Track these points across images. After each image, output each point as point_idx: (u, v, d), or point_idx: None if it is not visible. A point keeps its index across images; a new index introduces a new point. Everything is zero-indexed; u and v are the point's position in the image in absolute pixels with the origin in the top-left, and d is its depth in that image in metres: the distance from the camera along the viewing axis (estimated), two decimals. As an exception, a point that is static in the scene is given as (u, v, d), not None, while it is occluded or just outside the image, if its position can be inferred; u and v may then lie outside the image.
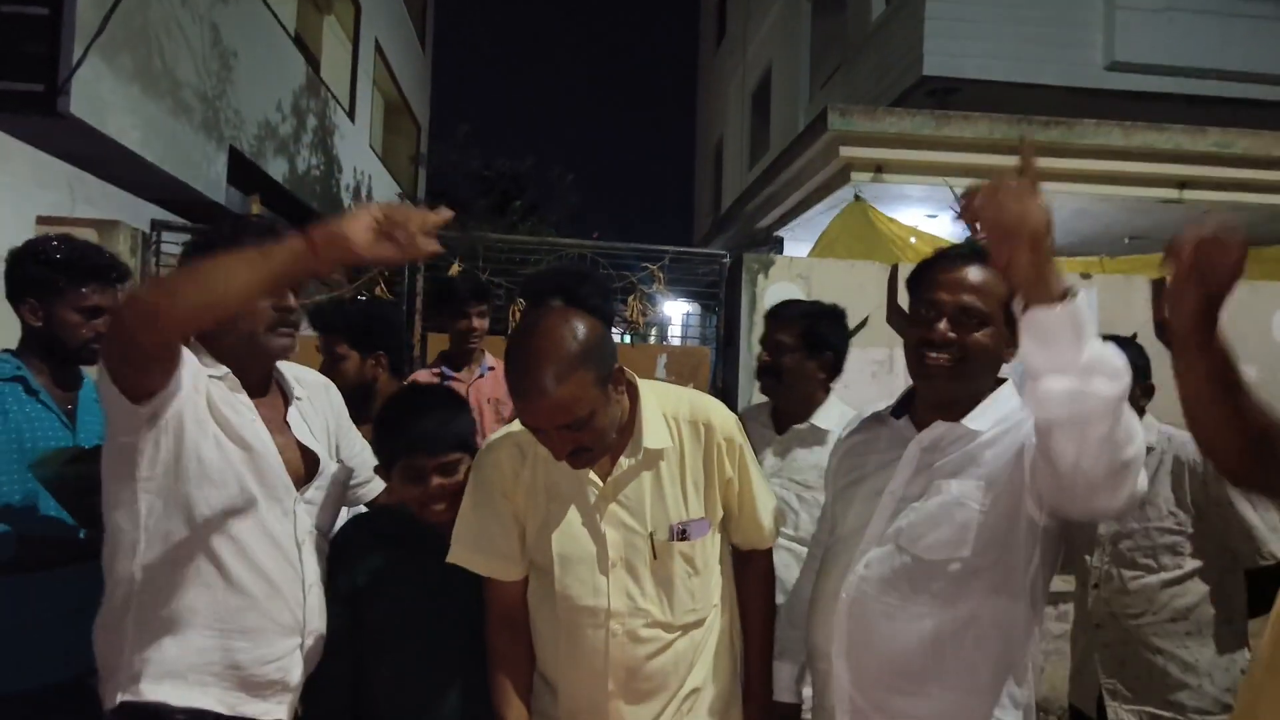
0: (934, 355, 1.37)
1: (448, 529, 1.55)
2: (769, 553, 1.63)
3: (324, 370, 2.50)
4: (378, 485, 1.76)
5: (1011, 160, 1.20)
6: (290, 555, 1.48)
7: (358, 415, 1.95)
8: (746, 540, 1.59)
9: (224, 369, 1.47)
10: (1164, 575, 2.12)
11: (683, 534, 1.45)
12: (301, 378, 1.68)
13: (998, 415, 1.40)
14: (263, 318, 1.47)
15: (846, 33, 8.91)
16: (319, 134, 9.01)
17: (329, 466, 1.61)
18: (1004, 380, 1.46)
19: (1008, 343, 1.39)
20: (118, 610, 1.41)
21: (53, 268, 1.84)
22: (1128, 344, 2.28)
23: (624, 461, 1.43)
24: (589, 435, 1.34)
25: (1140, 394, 2.23)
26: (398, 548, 1.60)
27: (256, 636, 1.43)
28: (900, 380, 4.02)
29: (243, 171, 7.03)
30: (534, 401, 1.29)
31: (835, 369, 2.44)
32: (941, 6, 7.04)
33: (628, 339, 4.61)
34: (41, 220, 3.44)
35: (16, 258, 1.88)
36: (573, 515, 1.45)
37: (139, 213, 4.75)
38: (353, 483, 1.73)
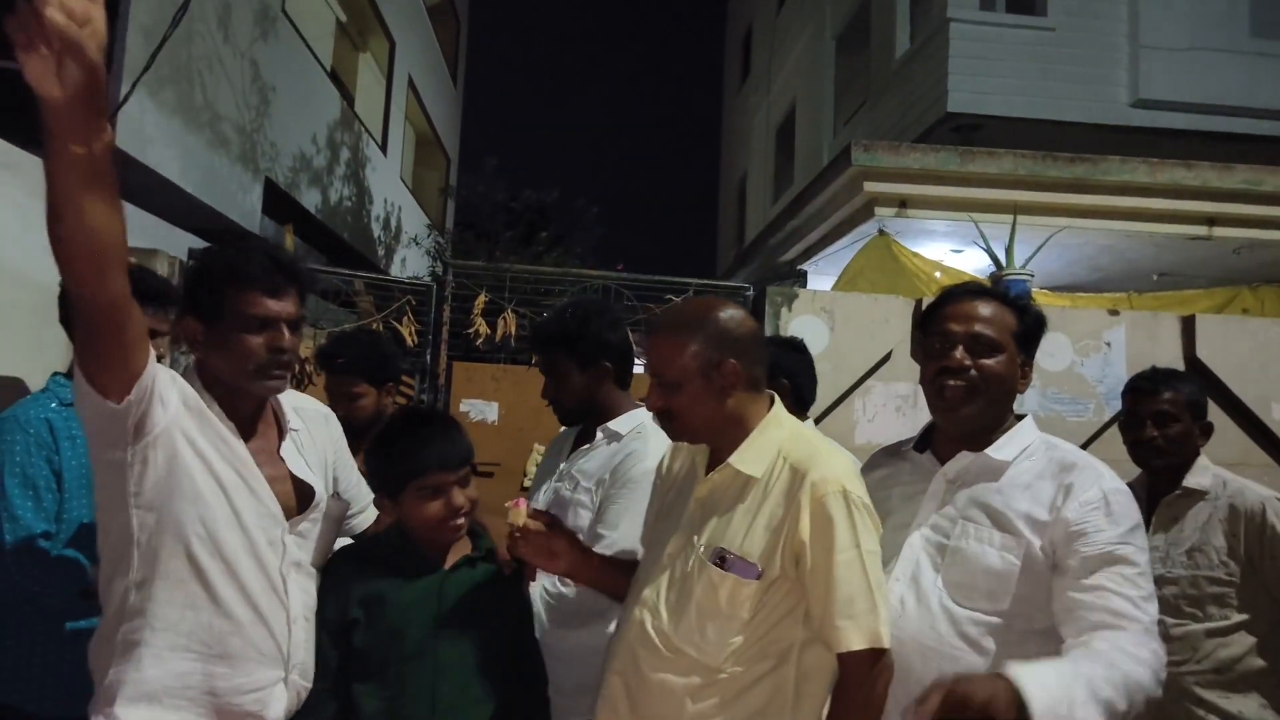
0: (952, 383, 1.44)
1: (440, 554, 1.60)
2: (861, 673, 1.32)
3: (337, 408, 2.44)
4: (371, 515, 1.75)
5: (1038, 197, 1.21)
6: (276, 585, 1.45)
7: (367, 443, 1.96)
8: (819, 631, 1.35)
9: (209, 397, 1.45)
10: (1209, 625, 2.05)
11: (720, 561, 1.37)
12: (301, 408, 1.65)
13: (1021, 445, 1.46)
14: (254, 358, 1.42)
15: (870, 70, 9.01)
16: (351, 166, 9.23)
17: (323, 500, 1.57)
18: (1023, 416, 1.52)
19: (1022, 374, 1.48)
20: (109, 631, 1.40)
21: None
22: (1188, 379, 2.24)
23: (717, 472, 1.45)
24: (675, 403, 1.41)
25: (1199, 433, 2.17)
26: (389, 575, 1.57)
27: (236, 663, 1.40)
28: (925, 414, 3.99)
29: (277, 202, 7.22)
30: (648, 339, 1.49)
31: (797, 399, 2.33)
32: (966, 45, 7.11)
33: (650, 370, 4.63)
34: (85, 248, 3.53)
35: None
36: (678, 506, 1.51)
37: (177, 242, 4.89)
38: (349, 514, 1.73)
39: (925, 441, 1.58)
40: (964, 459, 1.47)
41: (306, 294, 1.53)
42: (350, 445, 2.50)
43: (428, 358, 4.15)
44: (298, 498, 1.52)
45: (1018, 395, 1.51)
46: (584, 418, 2.04)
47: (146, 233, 4.81)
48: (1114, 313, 4.14)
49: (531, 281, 4.38)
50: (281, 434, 1.56)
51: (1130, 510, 1.38)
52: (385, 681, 1.52)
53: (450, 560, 1.62)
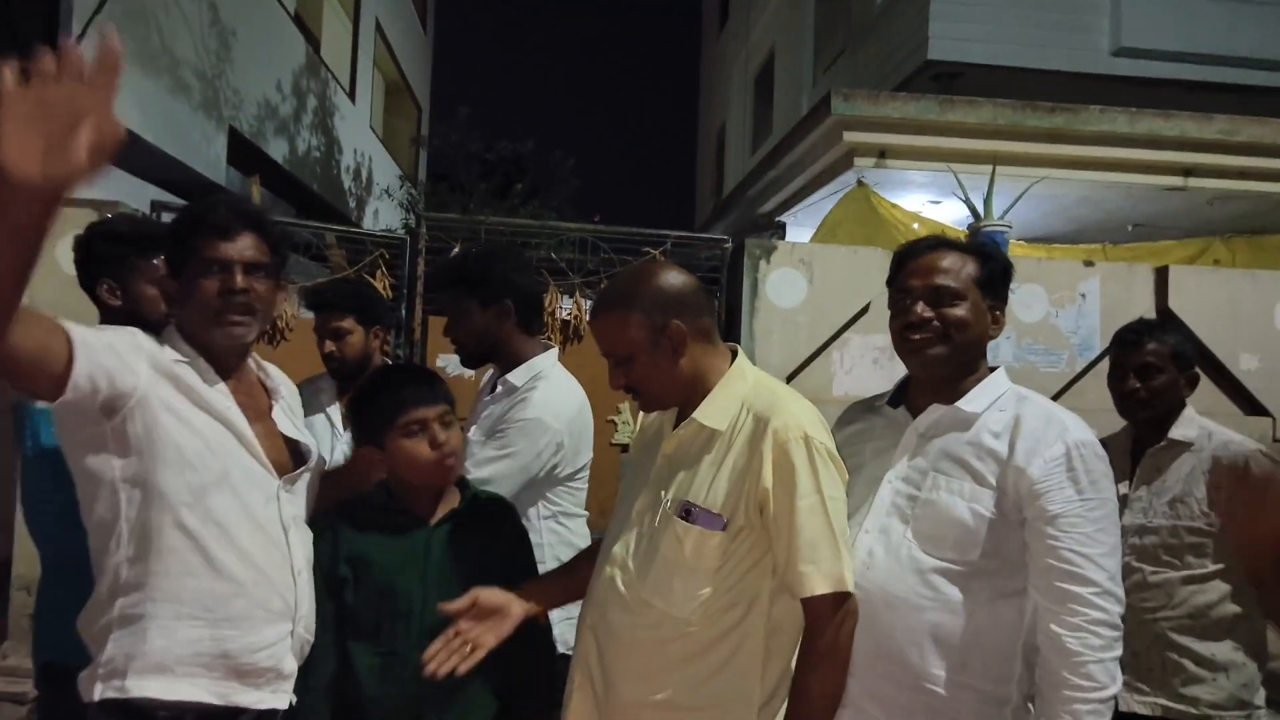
0: (915, 337, 1.47)
1: (429, 509, 1.60)
2: (825, 618, 1.32)
3: (323, 351, 2.52)
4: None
5: (1017, 147, 1.19)
6: (277, 539, 1.45)
7: (351, 388, 2.26)
8: (783, 577, 1.36)
9: (191, 353, 1.44)
10: (1185, 573, 2.07)
11: (686, 514, 1.37)
12: (275, 374, 1.68)
13: (991, 397, 1.47)
14: (210, 302, 1.42)
15: (851, 17, 8.84)
16: (319, 115, 8.96)
17: (315, 454, 1.60)
18: (995, 369, 1.53)
19: (992, 319, 1.50)
20: (103, 604, 1.38)
21: (123, 243, 1.84)
22: (1174, 328, 2.24)
23: (682, 427, 1.45)
24: (634, 377, 1.43)
25: (1185, 384, 2.17)
26: (376, 531, 1.58)
27: (245, 624, 1.39)
28: (902, 367, 4.02)
29: (242, 152, 7.00)
30: (591, 324, 1.50)
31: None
32: (947, -10, 6.98)
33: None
34: (41, 200, 3.41)
35: (84, 241, 1.88)
36: (645, 464, 1.53)
37: (139, 194, 4.74)
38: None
39: (899, 396, 1.59)
40: (935, 411, 1.49)
41: (274, 242, 1.50)
42: (340, 391, 2.61)
43: (402, 312, 4.08)
44: (290, 456, 1.54)
45: (990, 343, 1.52)
46: (485, 359, 2.09)
47: (108, 185, 4.64)
48: (1089, 264, 4.16)
49: (507, 234, 4.31)
50: (270, 397, 1.58)
51: (1094, 465, 1.39)
52: (378, 640, 1.53)
53: (439, 514, 1.61)
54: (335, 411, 2.59)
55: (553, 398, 1.97)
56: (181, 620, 1.36)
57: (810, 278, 3.88)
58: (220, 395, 1.45)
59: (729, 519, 1.36)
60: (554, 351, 2.11)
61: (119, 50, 0.80)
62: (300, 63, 8.44)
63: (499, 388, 2.06)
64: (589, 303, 4.04)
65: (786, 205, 7.10)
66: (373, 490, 1.66)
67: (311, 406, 2.51)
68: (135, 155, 5.35)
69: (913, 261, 1.52)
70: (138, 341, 1.39)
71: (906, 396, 1.57)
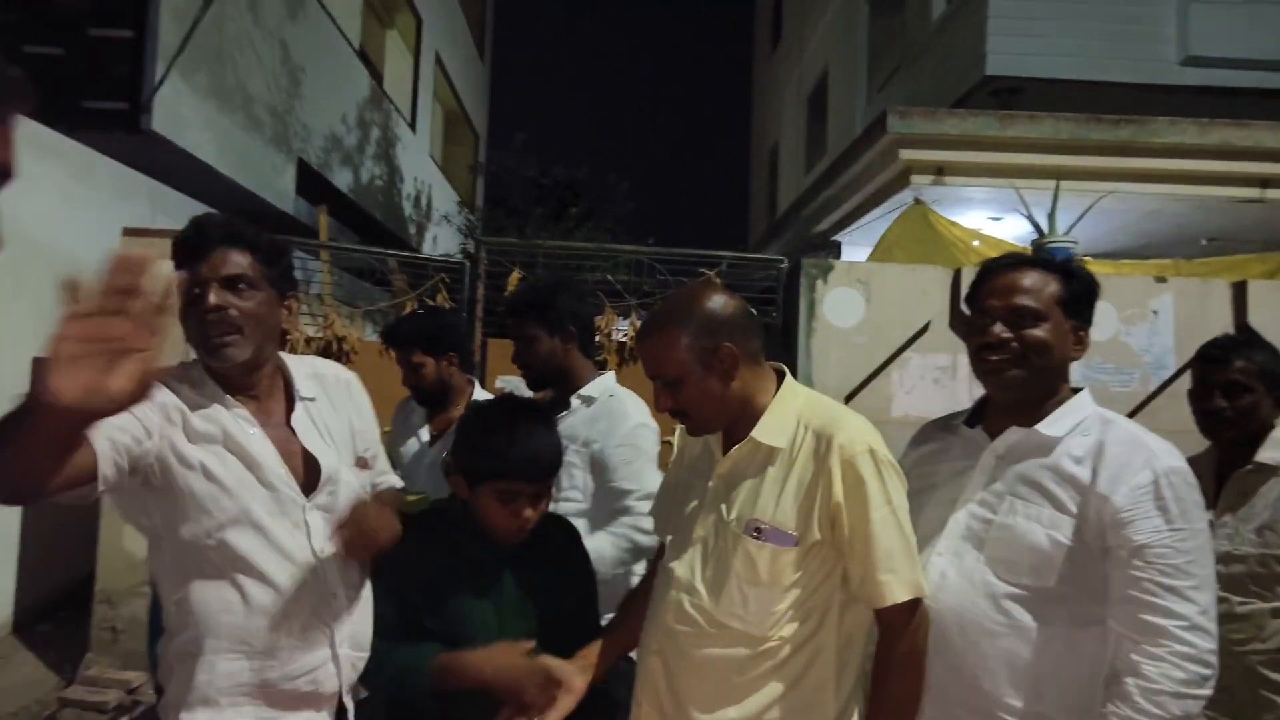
0: (993, 358, 1.43)
1: (508, 543, 1.58)
2: (903, 625, 1.34)
3: (406, 380, 2.61)
4: (391, 481, 1.72)
5: (1082, 161, 1.15)
6: (307, 565, 1.43)
7: (439, 411, 2.57)
8: (861, 592, 1.36)
9: (204, 379, 1.43)
10: (1276, 604, 1.96)
11: (756, 532, 1.37)
12: (323, 374, 1.60)
13: (1074, 420, 1.42)
14: (188, 328, 1.38)
15: (906, 33, 8.77)
16: (382, 145, 9.27)
17: (339, 471, 1.51)
18: (1080, 389, 1.48)
19: (1075, 340, 1.44)
20: (167, 641, 1.45)
21: None
22: (1262, 346, 2.14)
23: (738, 448, 1.44)
24: (683, 399, 1.41)
25: (1274, 404, 2.05)
26: (451, 557, 1.56)
27: (282, 654, 1.41)
28: (964, 386, 3.95)
29: (310, 183, 7.28)
30: (638, 346, 1.49)
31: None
32: (1005, 5, 6.87)
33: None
34: (127, 232, 3.61)
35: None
36: (696, 486, 1.51)
37: (214, 223, 4.95)
38: (375, 484, 1.67)
39: (977, 416, 1.55)
40: (1013, 434, 1.44)
41: (262, 255, 1.44)
42: (429, 415, 2.70)
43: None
44: (307, 471, 1.48)
45: (1071, 363, 1.47)
46: (549, 382, 2.23)
47: (186, 214, 4.88)
48: (1161, 280, 4.02)
49: (564, 257, 4.37)
50: (291, 403, 1.51)
51: (1184, 494, 1.33)
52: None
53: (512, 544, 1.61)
54: (425, 433, 2.70)
55: (637, 405, 2.19)
56: (221, 655, 1.40)
57: (868, 297, 3.84)
58: (235, 421, 1.42)
59: (800, 535, 1.36)
60: (613, 373, 2.28)
61: (175, 291, 0.76)
62: (364, 96, 8.76)
63: (573, 401, 2.19)
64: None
65: (842, 224, 7.04)
66: (452, 503, 1.65)
67: (405, 429, 2.73)
68: (210, 186, 5.62)
69: (992, 280, 1.47)
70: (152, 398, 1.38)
71: (984, 416, 1.53)
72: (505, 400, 1.76)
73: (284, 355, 1.56)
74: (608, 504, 2.09)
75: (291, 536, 1.43)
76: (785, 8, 14.33)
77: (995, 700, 1.36)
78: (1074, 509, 1.35)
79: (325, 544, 1.45)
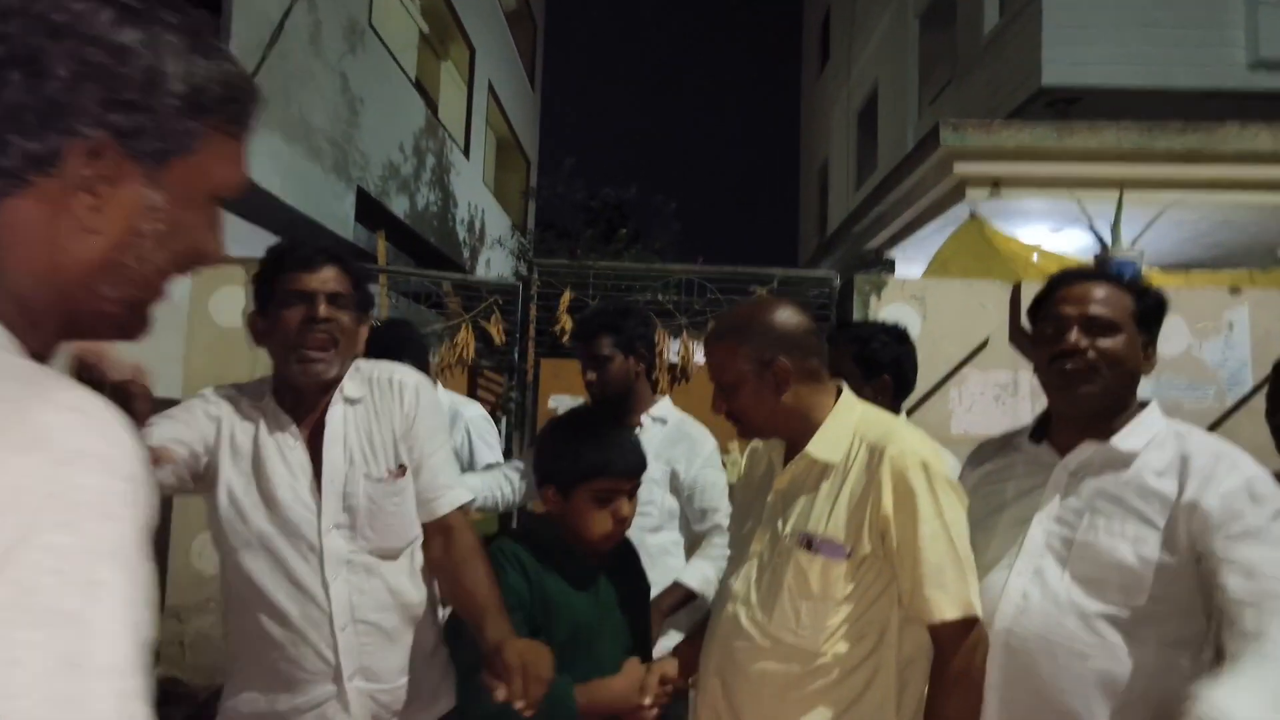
0: (1069, 366, 1.39)
1: (596, 552, 1.59)
2: (955, 644, 1.30)
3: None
4: (452, 499, 1.56)
5: (1147, 170, 1.09)
6: (315, 596, 1.40)
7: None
8: (911, 608, 1.34)
9: (265, 393, 1.47)
10: None
11: (808, 544, 1.37)
12: (376, 375, 1.53)
13: (1148, 434, 1.38)
14: (288, 333, 1.39)
15: (957, 47, 8.66)
16: (437, 172, 9.50)
17: (345, 480, 1.45)
18: (1147, 402, 1.43)
19: (1145, 355, 1.41)
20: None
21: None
22: None
23: (793, 463, 1.45)
24: (736, 405, 1.44)
25: None
26: (554, 574, 1.55)
27: (293, 685, 1.41)
28: (1025, 403, 3.84)
29: (368, 209, 7.50)
30: (705, 349, 1.53)
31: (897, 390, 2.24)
32: (1060, 14, 6.74)
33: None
34: (197, 259, 3.76)
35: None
36: (757, 503, 1.53)
37: (279, 250, 5.14)
38: (423, 496, 1.53)
39: (1041, 432, 1.50)
40: (1087, 449, 1.40)
41: (356, 277, 1.48)
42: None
43: (515, 355, 4.22)
44: (328, 482, 1.44)
45: (1141, 379, 1.43)
46: (619, 402, 2.27)
47: (251, 243, 5.07)
48: (1235, 291, 3.86)
49: (614, 278, 4.40)
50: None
51: (1276, 494, 1.27)
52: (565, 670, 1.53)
53: (602, 557, 1.63)
54: None
55: (704, 429, 2.32)
56: (246, 684, 1.44)
57: (923, 313, 3.77)
58: (275, 438, 1.43)
59: (851, 548, 1.35)
60: (668, 398, 2.42)
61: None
62: (420, 125, 9.01)
63: (645, 421, 2.30)
64: (696, 344, 4.06)
65: (894, 240, 6.95)
66: (540, 523, 1.65)
67: None
68: (275, 215, 5.83)
69: (1066, 288, 1.44)
70: (204, 407, 1.45)
71: (1049, 432, 1.48)
72: (582, 409, 1.80)
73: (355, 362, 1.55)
74: (695, 523, 2.23)
75: (305, 562, 1.41)
76: (833, 26, 14.30)
77: None
78: (1161, 523, 1.30)
79: (339, 570, 1.41)
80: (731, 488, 2.24)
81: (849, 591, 1.35)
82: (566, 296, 4.07)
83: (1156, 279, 5.11)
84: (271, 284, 1.44)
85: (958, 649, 1.30)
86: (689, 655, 1.58)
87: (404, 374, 1.56)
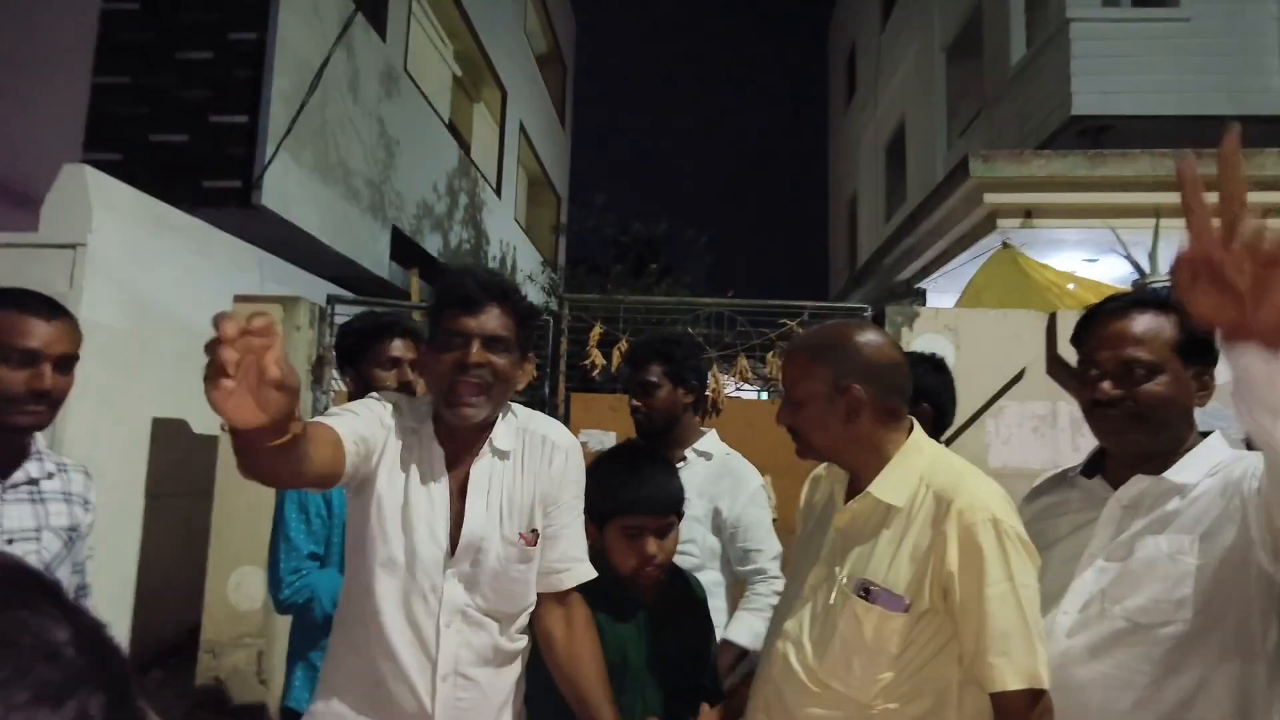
0: (1109, 414, 1.33)
1: (644, 590, 1.64)
2: (1017, 715, 1.21)
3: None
4: (580, 574, 1.53)
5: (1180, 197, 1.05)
6: (426, 638, 1.37)
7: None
8: (970, 668, 1.25)
9: (424, 418, 1.44)
10: None
11: (865, 593, 1.30)
12: (531, 428, 1.50)
13: (1207, 466, 1.30)
14: (442, 376, 1.38)
15: (984, 79, 8.67)
16: (469, 210, 9.68)
17: (484, 538, 1.41)
18: (1209, 432, 1.36)
19: (1199, 387, 1.32)
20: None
21: (354, 335, 2.19)
22: None
23: (856, 501, 1.39)
24: (799, 421, 1.40)
25: None
26: (605, 610, 1.58)
27: (382, 713, 1.38)
28: (1065, 434, 3.76)
29: (403, 248, 7.65)
30: (784, 356, 1.49)
31: (936, 423, 2.21)
32: (1089, 44, 6.73)
33: (765, 396, 4.57)
34: (239, 299, 3.87)
35: (335, 341, 2.27)
36: (816, 539, 1.47)
37: (315, 288, 5.27)
38: (551, 566, 1.50)
39: (1096, 465, 1.44)
40: (1140, 483, 1.33)
41: (521, 316, 1.44)
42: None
43: (546, 390, 4.25)
44: (459, 532, 1.41)
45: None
46: (661, 432, 2.23)
47: (292, 282, 5.20)
48: None
49: (644, 312, 4.42)
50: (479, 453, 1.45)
51: None
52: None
53: (652, 594, 1.66)
54: None
55: (750, 465, 2.25)
56: (338, 693, 1.41)
57: (957, 344, 3.73)
58: (428, 470, 1.41)
59: (911, 600, 1.28)
60: (714, 432, 2.33)
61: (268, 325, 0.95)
62: (454, 165, 9.21)
63: (689, 455, 2.24)
64: (726, 377, 4.05)
65: (926, 271, 6.91)
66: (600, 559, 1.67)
67: None
68: (313, 254, 5.97)
69: (1101, 327, 1.35)
70: (382, 413, 1.42)
71: (1104, 465, 1.42)
72: (627, 445, 1.84)
73: (510, 407, 1.51)
74: (737, 563, 2.15)
75: (424, 602, 1.38)
76: (859, 61, 14.42)
77: None
78: (1216, 533, 1.24)
79: (453, 618, 1.38)
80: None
81: (904, 647, 1.28)
82: (596, 331, 4.10)
83: (1198, 307, 4.99)
84: (437, 320, 1.42)
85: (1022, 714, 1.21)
86: (744, 698, 1.54)
87: (558, 433, 1.52)
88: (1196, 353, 1.31)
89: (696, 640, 1.72)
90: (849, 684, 1.30)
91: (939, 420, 2.18)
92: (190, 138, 5.27)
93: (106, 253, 3.66)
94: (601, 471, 1.63)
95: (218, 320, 0.91)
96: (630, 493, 1.58)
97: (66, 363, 1.53)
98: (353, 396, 2.10)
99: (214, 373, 0.92)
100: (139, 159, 5.12)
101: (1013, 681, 1.21)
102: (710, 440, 2.27)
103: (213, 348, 0.92)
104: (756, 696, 1.45)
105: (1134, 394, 1.29)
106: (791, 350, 1.46)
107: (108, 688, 0.30)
